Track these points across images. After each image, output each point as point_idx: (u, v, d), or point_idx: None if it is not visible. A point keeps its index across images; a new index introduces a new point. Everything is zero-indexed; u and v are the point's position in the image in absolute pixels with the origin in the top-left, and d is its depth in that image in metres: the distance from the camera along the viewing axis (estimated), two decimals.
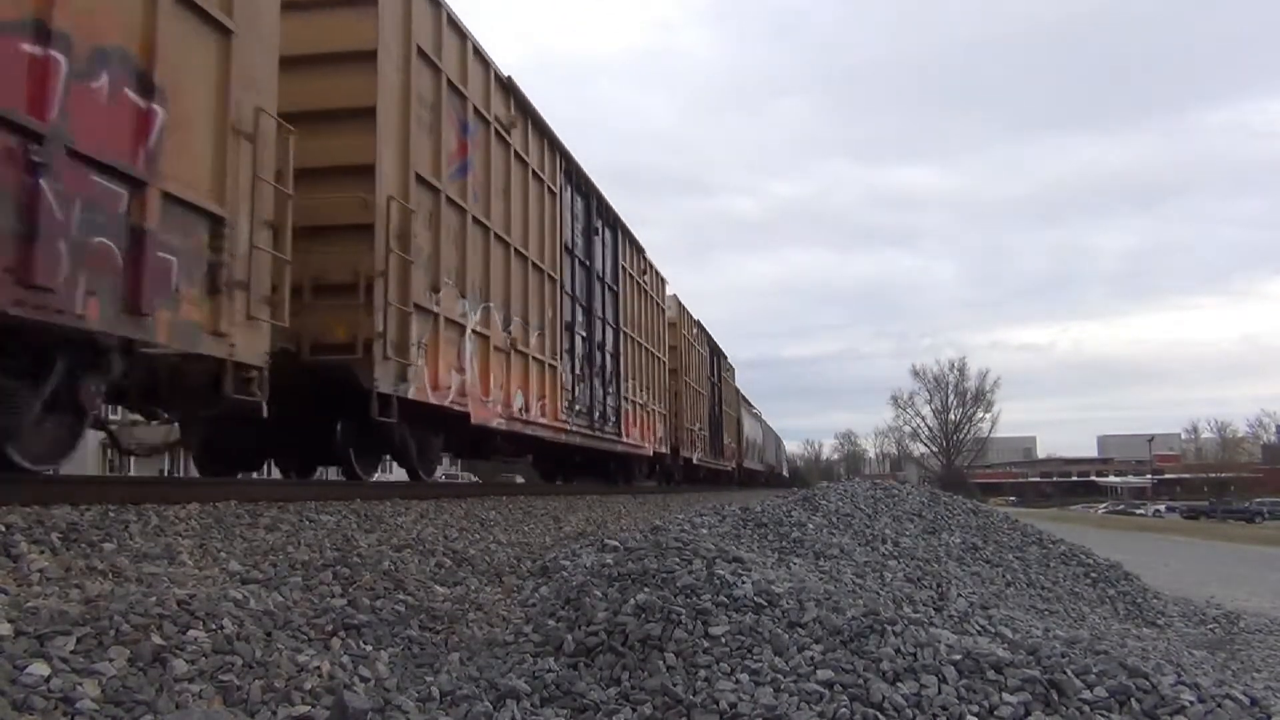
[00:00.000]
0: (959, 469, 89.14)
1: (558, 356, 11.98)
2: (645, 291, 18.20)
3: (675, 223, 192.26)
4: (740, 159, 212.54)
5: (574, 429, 12.71)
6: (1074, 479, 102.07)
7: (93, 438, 7.35)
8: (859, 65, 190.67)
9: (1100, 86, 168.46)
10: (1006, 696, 3.05)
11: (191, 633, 2.79)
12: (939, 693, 3.08)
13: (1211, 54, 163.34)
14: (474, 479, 25.63)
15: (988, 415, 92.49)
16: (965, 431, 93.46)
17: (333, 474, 9.79)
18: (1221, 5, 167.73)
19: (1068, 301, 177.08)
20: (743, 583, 3.98)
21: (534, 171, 11.25)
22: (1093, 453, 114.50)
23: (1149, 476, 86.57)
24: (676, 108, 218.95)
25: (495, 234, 9.90)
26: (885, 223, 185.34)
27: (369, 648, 3.33)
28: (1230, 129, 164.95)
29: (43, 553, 3.51)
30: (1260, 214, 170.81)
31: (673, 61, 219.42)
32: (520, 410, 10.48)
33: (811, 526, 7.99)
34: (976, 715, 2.98)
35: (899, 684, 3.14)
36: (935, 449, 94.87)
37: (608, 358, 14.88)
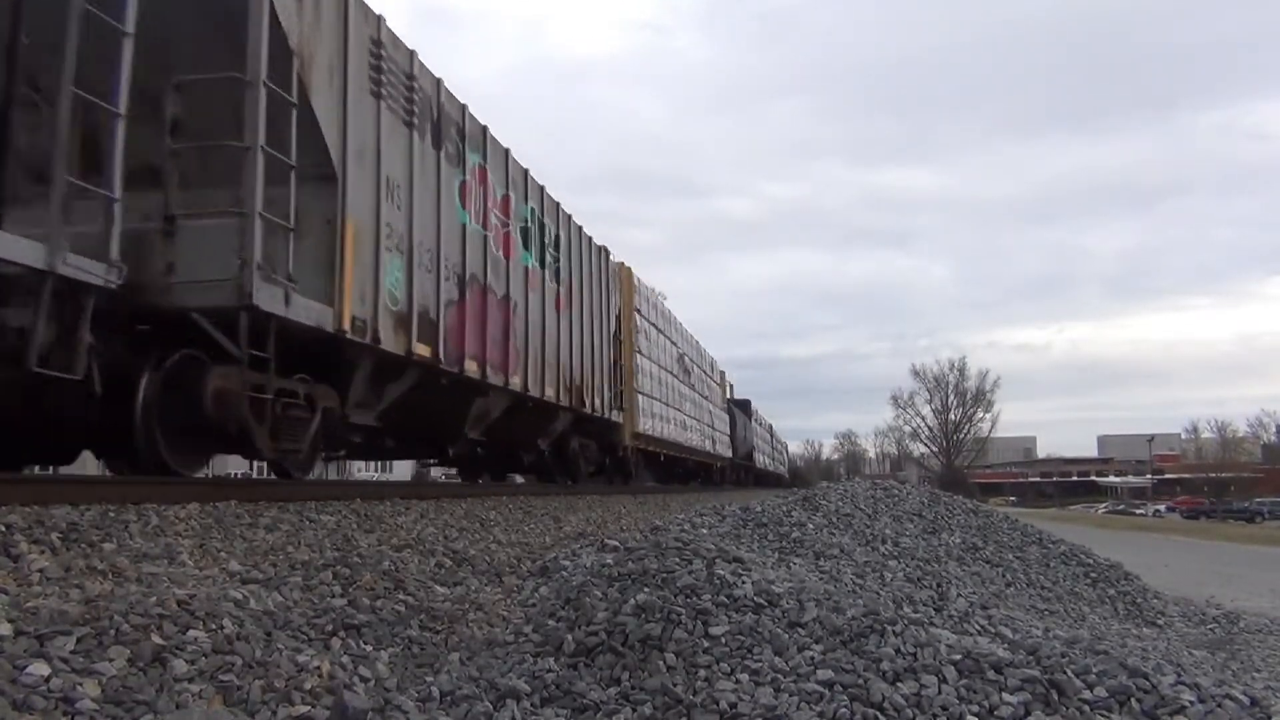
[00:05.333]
0: (959, 469, 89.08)
1: None
2: None
3: (670, 224, 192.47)
4: (734, 160, 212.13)
5: None
6: (1074, 479, 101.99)
7: None
8: (852, 67, 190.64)
9: (1094, 88, 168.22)
10: (1006, 696, 3.05)
11: (191, 633, 2.79)
12: (939, 693, 3.08)
13: (1201, 56, 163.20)
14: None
15: (988, 415, 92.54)
16: (965, 431, 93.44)
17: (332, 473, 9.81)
18: (1211, 8, 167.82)
19: (1064, 301, 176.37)
20: (743, 583, 3.98)
21: None
22: (1093, 453, 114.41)
23: (1149, 476, 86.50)
24: (669, 109, 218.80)
25: None
26: (880, 224, 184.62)
27: (369, 648, 3.33)
28: (1222, 131, 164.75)
29: (43, 553, 3.51)
30: (1254, 215, 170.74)
31: (665, 63, 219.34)
32: None
33: (811, 526, 8.00)
34: (976, 715, 2.98)
35: (899, 684, 3.14)
36: (935, 449, 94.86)
37: None
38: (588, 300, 13.99)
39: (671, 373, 21.51)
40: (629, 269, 17.22)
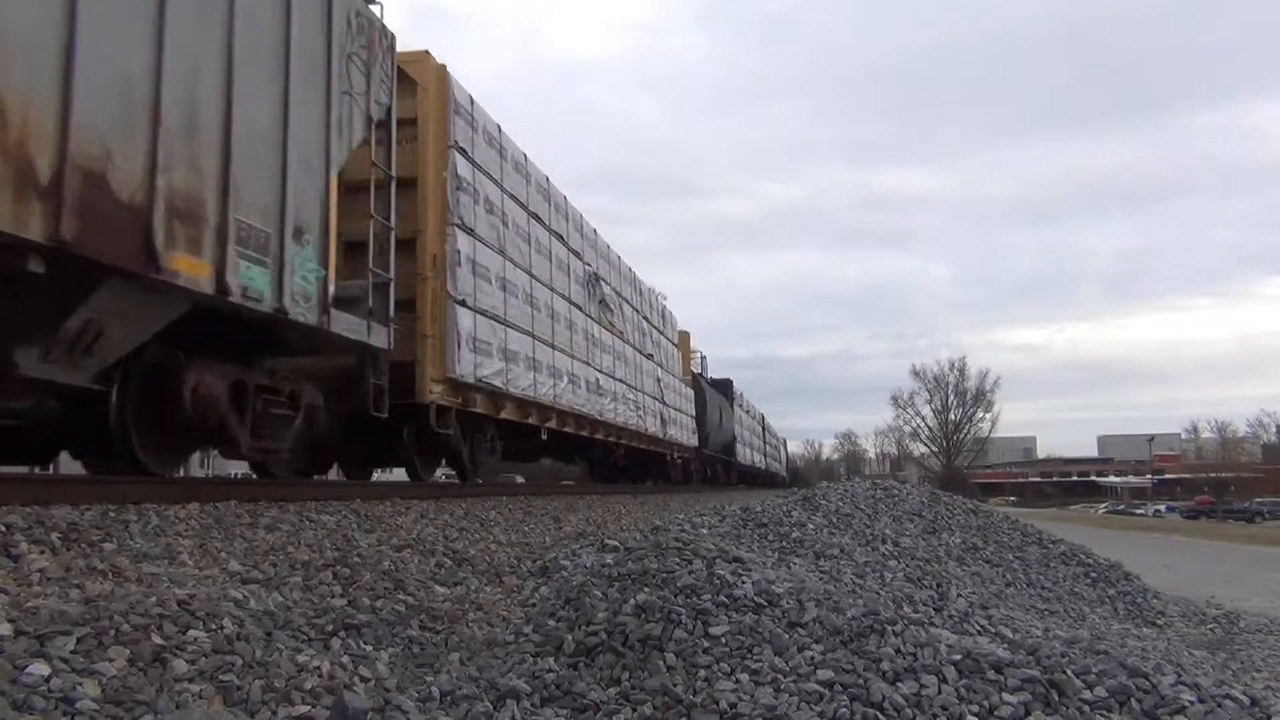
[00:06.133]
0: (959, 469, 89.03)
1: None
2: None
3: (668, 225, 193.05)
4: (732, 161, 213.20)
5: None
6: (1074, 479, 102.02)
7: None
8: (850, 68, 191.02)
9: (1094, 88, 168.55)
10: (1006, 696, 3.05)
11: (191, 633, 2.79)
12: (939, 693, 3.08)
13: (1201, 56, 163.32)
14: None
15: (988, 415, 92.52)
16: (965, 431, 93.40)
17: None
18: (1211, 8, 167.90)
19: (1063, 302, 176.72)
20: (743, 583, 3.98)
21: None
22: (1093, 453, 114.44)
23: (1149, 476, 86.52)
24: (667, 111, 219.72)
25: None
26: (879, 224, 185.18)
27: (369, 648, 3.33)
28: (1220, 131, 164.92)
29: (43, 553, 3.51)
30: (1252, 215, 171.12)
31: (663, 64, 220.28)
32: None
33: (811, 526, 8.00)
34: (976, 715, 2.98)
35: (899, 684, 3.14)
36: (935, 449, 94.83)
37: None
38: (224, 29, 5.35)
39: (567, 298, 13.17)
40: (442, 68, 9.36)
